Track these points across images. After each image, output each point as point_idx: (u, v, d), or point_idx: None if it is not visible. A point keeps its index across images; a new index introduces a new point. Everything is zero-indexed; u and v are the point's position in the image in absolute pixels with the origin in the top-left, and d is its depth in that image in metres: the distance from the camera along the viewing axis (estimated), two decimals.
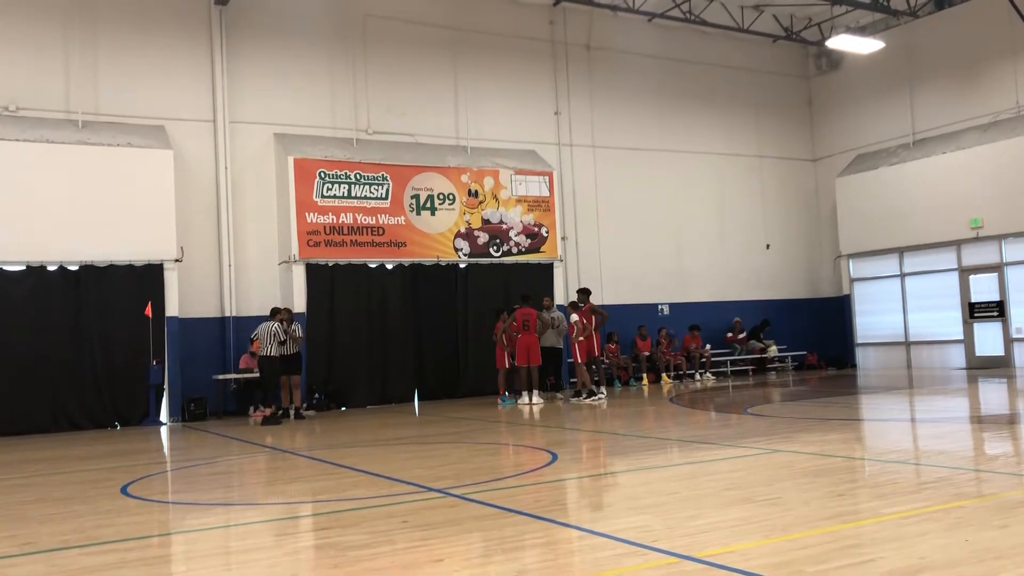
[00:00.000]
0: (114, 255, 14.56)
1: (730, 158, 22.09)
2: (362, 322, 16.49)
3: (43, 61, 15.18)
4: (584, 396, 14.95)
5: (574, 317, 15.37)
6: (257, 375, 15.41)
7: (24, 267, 14.09)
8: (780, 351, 21.55)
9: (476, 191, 17.80)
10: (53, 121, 14.94)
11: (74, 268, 14.39)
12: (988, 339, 19.25)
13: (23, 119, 14.74)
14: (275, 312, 14.30)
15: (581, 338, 15.15)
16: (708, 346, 20.52)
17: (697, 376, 19.70)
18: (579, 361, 15.23)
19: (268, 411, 14.00)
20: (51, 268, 14.24)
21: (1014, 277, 18.86)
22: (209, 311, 16.06)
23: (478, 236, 17.76)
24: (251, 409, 15.42)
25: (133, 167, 14.85)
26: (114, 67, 15.65)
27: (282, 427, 13.29)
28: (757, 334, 21.42)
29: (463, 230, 17.61)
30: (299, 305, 15.89)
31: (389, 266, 16.89)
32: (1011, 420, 10.49)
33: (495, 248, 17.92)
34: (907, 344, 20.86)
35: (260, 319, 15.29)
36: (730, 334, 21.22)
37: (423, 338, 17.12)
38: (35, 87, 15.06)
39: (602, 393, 15.43)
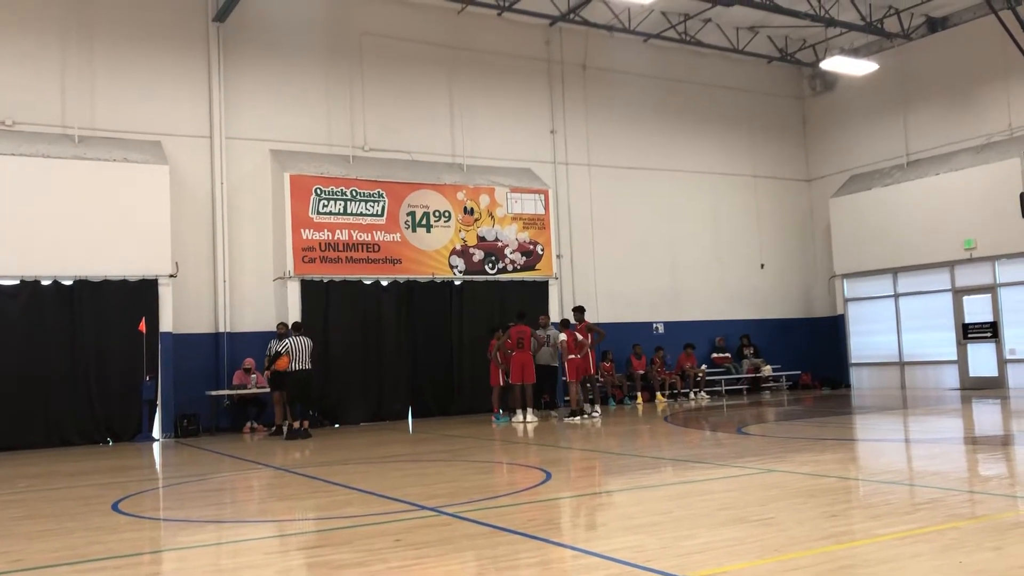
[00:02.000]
0: (109, 270, 14.53)
1: (725, 178, 22.18)
2: (357, 339, 16.46)
3: (40, 76, 15.20)
4: (575, 416, 14.86)
5: (562, 336, 15.37)
6: (250, 392, 15.41)
7: (18, 281, 14.04)
8: (774, 371, 21.56)
9: (472, 209, 17.84)
10: (50, 136, 14.95)
11: (68, 283, 14.35)
12: (982, 360, 19.30)
13: (19, 133, 14.75)
14: (298, 327, 14.27)
15: (572, 356, 15.11)
16: (704, 366, 20.54)
17: (691, 395, 19.69)
18: (571, 379, 15.19)
19: (293, 425, 13.92)
20: (45, 283, 14.20)
21: (1007, 298, 18.92)
22: (203, 327, 16.01)
23: (473, 253, 17.78)
24: (247, 425, 15.37)
25: (129, 182, 14.84)
26: (111, 82, 15.69)
27: (276, 444, 13.22)
28: (740, 352, 21.44)
29: (458, 247, 17.63)
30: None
31: (384, 283, 16.88)
32: (1005, 441, 10.50)
33: (490, 266, 17.94)
34: (901, 364, 20.89)
35: (260, 335, 15.22)
36: (715, 354, 21.26)
37: (418, 355, 17.09)
38: (32, 102, 15.07)
39: (597, 411, 15.40)
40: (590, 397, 15.55)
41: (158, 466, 11.60)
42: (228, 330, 16.09)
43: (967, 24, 19.94)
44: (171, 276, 15.01)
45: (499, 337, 15.64)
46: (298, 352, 13.76)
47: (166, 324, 14.93)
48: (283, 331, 14.45)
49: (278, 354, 13.81)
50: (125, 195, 14.75)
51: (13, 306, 13.96)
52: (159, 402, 14.76)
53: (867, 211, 21.07)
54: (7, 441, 13.54)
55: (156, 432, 14.73)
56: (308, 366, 13.89)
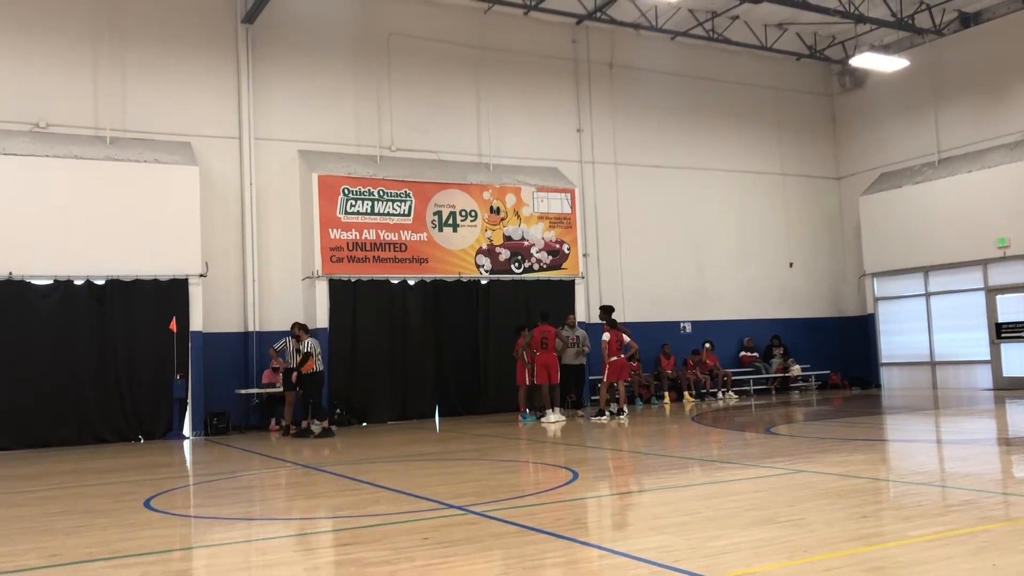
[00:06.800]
0: (140, 270, 14.72)
1: (753, 176, 22.03)
2: (384, 338, 16.53)
3: (72, 78, 15.41)
4: (602, 415, 14.81)
5: (605, 336, 15.16)
6: (279, 390, 15.51)
7: (51, 281, 14.26)
8: (803, 370, 21.38)
9: (498, 208, 17.86)
10: (82, 137, 15.16)
11: (100, 282, 14.54)
12: (1015, 360, 18.99)
13: (53, 135, 14.98)
14: (306, 328, 14.45)
15: (614, 358, 14.96)
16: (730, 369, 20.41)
17: (719, 395, 19.57)
18: (607, 380, 15.08)
19: (300, 426, 14.05)
20: (78, 282, 14.40)
21: None
22: (233, 326, 16.17)
23: (500, 253, 17.80)
24: (272, 422, 15.49)
25: (159, 183, 15.02)
26: (142, 84, 15.87)
27: (303, 442, 13.31)
28: (769, 352, 21.28)
29: (485, 247, 17.66)
30: (321, 321, 15.98)
31: (411, 282, 16.95)
32: None
33: (516, 265, 17.95)
34: (932, 364, 20.62)
35: (285, 334, 15.31)
36: (743, 353, 21.14)
37: (444, 354, 17.14)
38: (64, 104, 15.28)
39: (624, 412, 15.33)
40: (616, 396, 15.47)
41: (188, 463, 11.73)
42: (257, 329, 16.23)
43: (1000, 19, 19.65)
44: (201, 276, 15.17)
45: (525, 336, 15.64)
46: (317, 354, 14.05)
47: (196, 323, 15.09)
48: (301, 332, 14.41)
49: (308, 355, 13.94)
50: (156, 196, 14.93)
51: (46, 305, 14.17)
52: (189, 400, 14.92)
53: (898, 209, 20.82)
54: (41, 438, 13.76)
55: (186, 430, 14.90)
56: (322, 367, 14.24)
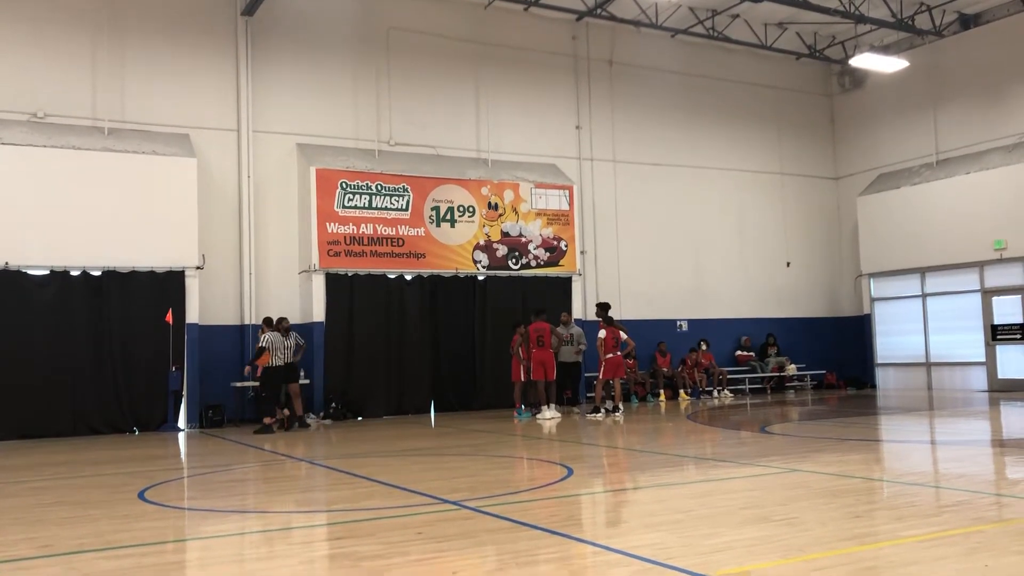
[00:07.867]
0: (136, 261, 14.70)
1: (751, 175, 22.03)
2: (380, 332, 16.53)
3: (71, 69, 15.37)
4: (597, 412, 14.81)
5: (601, 333, 15.15)
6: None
7: (48, 272, 14.24)
8: (799, 370, 21.41)
9: (496, 204, 17.85)
10: (80, 128, 15.12)
11: (97, 274, 14.53)
12: (1011, 362, 19.03)
13: (51, 126, 14.94)
14: (279, 322, 14.34)
15: (610, 355, 14.94)
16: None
17: (715, 393, 19.59)
18: (603, 377, 15.07)
19: (271, 419, 13.99)
20: (74, 273, 14.39)
21: None
22: (229, 319, 16.16)
23: (497, 249, 17.79)
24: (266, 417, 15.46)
25: (157, 174, 15.01)
26: (141, 76, 15.84)
27: (297, 435, 13.31)
28: (765, 351, 21.30)
29: (482, 242, 17.65)
30: (318, 314, 15.99)
31: (408, 277, 16.94)
32: None
33: (514, 261, 17.94)
34: (928, 365, 20.66)
35: None
36: (739, 352, 21.15)
37: (441, 349, 17.14)
38: (63, 95, 15.25)
39: (619, 409, 15.33)
40: (612, 394, 15.46)
41: (183, 456, 11.72)
42: (254, 322, 16.20)
43: (1000, 21, 19.66)
44: (198, 268, 15.16)
45: (521, 333, 15.63)
46: (274, 348, 13.91)
47: (192, 315, 15.08)
48: (264, 327, 14.30)
49: (263, 349, 13.88)
50: (154, 187, 14.92)
51: (43, 296, 14.15)
52: (184, 392, 14.91)
53: (895, 210, 20.84)
54: (35, 429, 13.75)
55: (181, 422, 14.89)
56: (282, 362, 14.02)
